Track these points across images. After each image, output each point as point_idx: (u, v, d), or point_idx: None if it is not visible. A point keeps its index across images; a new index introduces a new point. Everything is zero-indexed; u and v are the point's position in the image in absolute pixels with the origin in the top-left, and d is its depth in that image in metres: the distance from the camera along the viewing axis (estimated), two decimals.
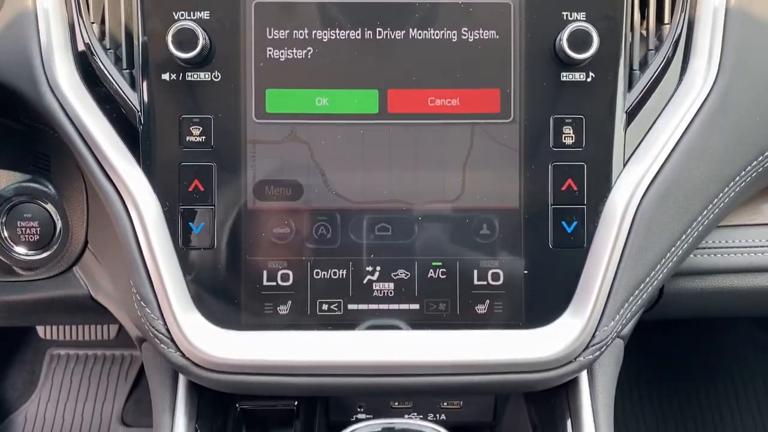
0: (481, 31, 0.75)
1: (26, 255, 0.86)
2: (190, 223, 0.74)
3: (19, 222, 0.85)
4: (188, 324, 0.72)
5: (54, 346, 1.83)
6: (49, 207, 0.86)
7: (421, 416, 0.85)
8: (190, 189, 0.74)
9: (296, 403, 0.80)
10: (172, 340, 0.72)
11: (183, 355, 0.72)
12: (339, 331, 0.74)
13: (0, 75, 0.74)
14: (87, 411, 1.80)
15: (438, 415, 0.85)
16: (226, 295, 0.74)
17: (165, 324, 0.72)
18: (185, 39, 0.71)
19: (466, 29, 0.75)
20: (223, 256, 0.74)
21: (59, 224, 0.86)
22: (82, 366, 1.84)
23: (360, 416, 0.85)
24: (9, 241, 0.86)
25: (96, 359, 1.85)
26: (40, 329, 1.79)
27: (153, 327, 0.72)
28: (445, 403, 0.85)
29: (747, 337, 1.64)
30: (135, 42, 0.75)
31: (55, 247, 0.86)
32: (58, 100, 0.73)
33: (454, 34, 0.75)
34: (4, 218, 0.86)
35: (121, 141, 0.74)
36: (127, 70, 0.76)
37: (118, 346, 1.83)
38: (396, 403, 0.84)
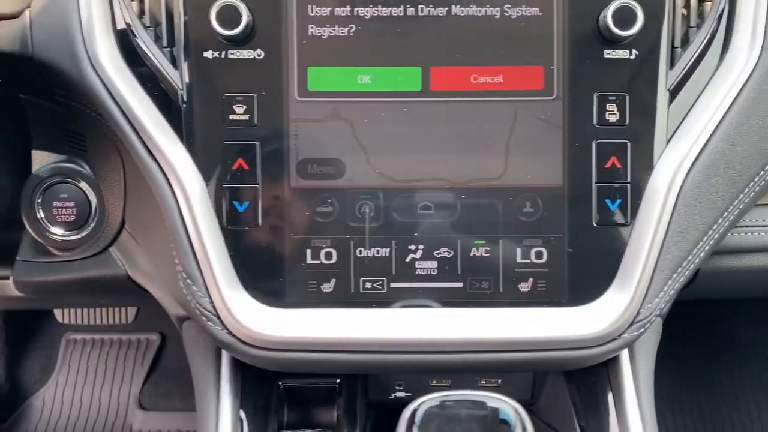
0: (523, 8, 0.74)
1: (62, 235, 0.86)
2: (235, 202, 0.74)
3: (54, 203, 0.85)
4: (234, 301, 0.72)
5: (70, 330, 1.83)
6: (85, 187, 0.86)
7: None
8: (234, 168, 0.74)
9: (338, 381, 0.80)
10: (219, 318, 0.72)
11: (229, 333, 0.72)
12: (383, 308, 0.74)
13: (42, 53, 0.74)
14: (104, 395, 1.81)
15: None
16: (271, 273, 0.74)
17: (211, 302, 0.72)
18: (229, 16, 0.71)
19: (508, 6, 0.74)
20: (267, 234, 0.74)
21: (95, 204, 0.85)
22: (98, 350, 1.84)
23: (399, 394, 0.85)
24: (45, 221, 0.86)
25: (112, 344, 1.85)
26: (58, 313, 1.80)
27: (199, 305, 0.72)
28: (484, 382, 0.85)
29: (763, 322, 1.64)
30: (176, 20, 0.75)
31: (91, 227, 0.86)
32: (100, 77, 0.73)
33: (497, 10, 0.74)
34: (40, 199, 0.85)
35: (164, 119, 0.74)
36: (168, 48, 0.76)
37: (135, 331, 1.84)
38: (434, 381, 0.85)
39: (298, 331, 0.72)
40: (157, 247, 0.79)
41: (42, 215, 0.86)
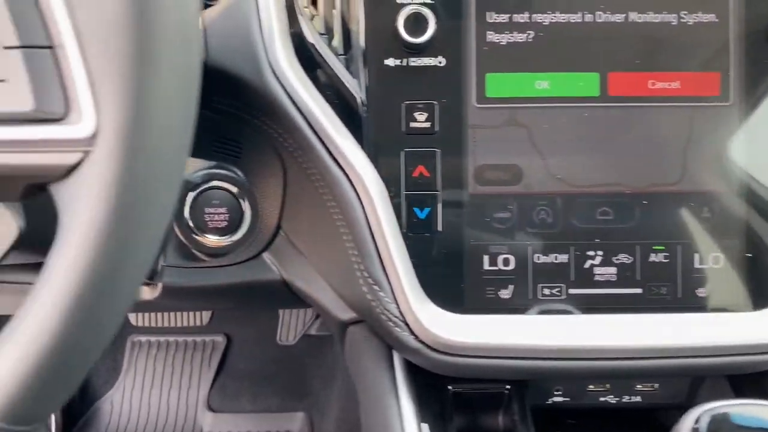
0: (700, 15, 0.75)
1: (214, 241, 0.86)
2: (415, 209, 0.74)
3: (206, 209, 0.85)
4: (419, 307, 0.72)
5: (134, 333, 1.83)
6: (237, 193, 0.86)
7: (618, 398, 0.86)
8: (415, 175, 0.74)
9: (508, 386, 0.81)
10: (406, 323, 0.72)
11: (416, 338, 0.73)
12: (564, 315, 0.74)
13: (218, 59, 0.74)
14: (173, 397, 1.82)
15: (631, 397, 0.86)
16: (450, 279, 0.74)
17: (398, 307, 0.72)
18: (417, 24, 0.71)
19: (685, 12, 0.75)
20: (446, 240, 0.74)
21: (248, 210, 0.85)
22: (164, 353, 1.85)
23: (556, 399, 0.85)
24: (195, 227, 0.86)
25: (177, 346, 1.85)
26: (131, 316, 1.80)
27: (387, 310, 0.72)
28: (640, 386, 0.86)
29: None
30: (353, 27, 0.75)
31: (243, 233, 0.86)
32: (282, 85, 0.73)
33: (674, 17, 0.75)
34: (192, 204, 0.85)
35: (344, 127, 0.74)
36: (342, 56, 0.76)
37: (199, 333, 1.84)
38: (592, 386, 0.85)
39: (484, 337, 0.73)
40: (326, 253, 0.79)
41: (193, 221, 0.86)
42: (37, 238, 0.57)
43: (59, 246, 0.42)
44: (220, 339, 1.84)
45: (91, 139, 0.41)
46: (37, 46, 0.41)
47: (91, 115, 0.41)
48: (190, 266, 0.89)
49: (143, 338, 1.85)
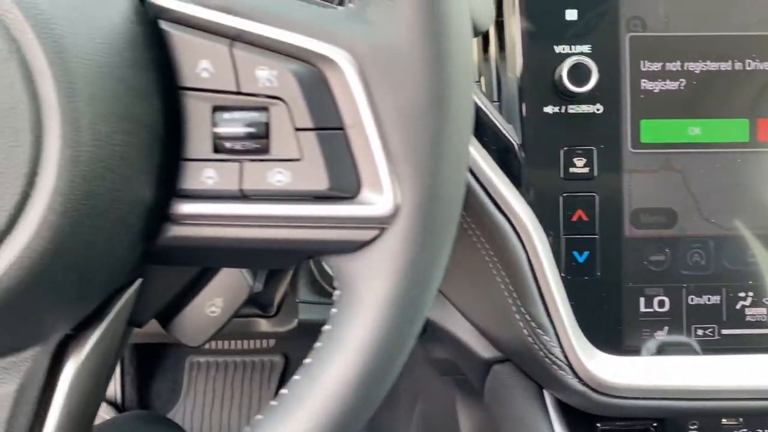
0: None
1: None
2: (574, 252, 0.76)
3: None
4: (583, 351, 0.74)
5: (193, 353, 1.84)
6: None
7: None
8: (574, 219, 0.76)
9: (655, 423, 0.82)
10: (570, 366, 0.74)
11: (580, 381, 0.74)
12: (718, 355, 0.76)
13: None
14: (233, 418, 1.82)
15: (764, 430, 0.88)
16: (608, 322, 0.76)
17: (563, 351, 0.74)
18: (580, 73, 0.73)
19: None
20: (604, 283, 0.76)
21: None
22: (223, 373, 1.86)
23: None
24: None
25: (236, 366, 1.86)
26: None
27: (551, 354, 0.74)
28: None
29: None
30: (509, 74, 0.77)
31: None
32: None
33: None
34: None
35: (502, 173, 0.75)
36: (496, 102, 0.78)
37: (257, 353, 1.85)
38: (725, 420, 0.87)
39: (648, 379, 0.74)
40: (473, 294, 0.81)
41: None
42: None
43: (352, 318, 0.44)
44: (278, 359, 1.85)
45: (390, 218, 0.42)
46: (330, 128, 0.43)
47: (390, 195, 0.42)
48: (323, 302, 0.90)
49: (201, 359, 1.86)
